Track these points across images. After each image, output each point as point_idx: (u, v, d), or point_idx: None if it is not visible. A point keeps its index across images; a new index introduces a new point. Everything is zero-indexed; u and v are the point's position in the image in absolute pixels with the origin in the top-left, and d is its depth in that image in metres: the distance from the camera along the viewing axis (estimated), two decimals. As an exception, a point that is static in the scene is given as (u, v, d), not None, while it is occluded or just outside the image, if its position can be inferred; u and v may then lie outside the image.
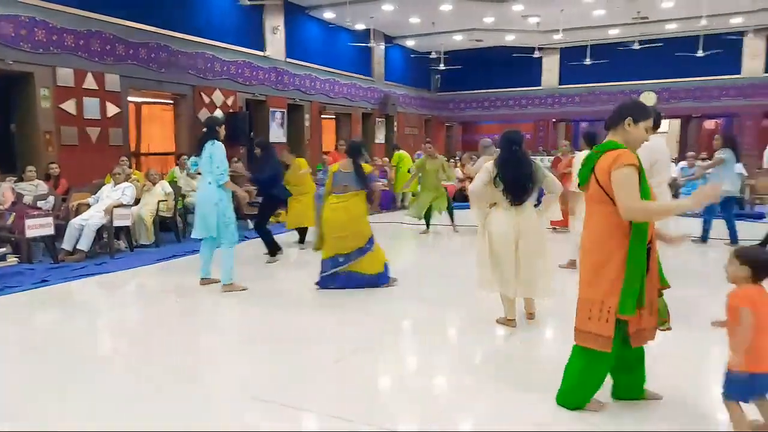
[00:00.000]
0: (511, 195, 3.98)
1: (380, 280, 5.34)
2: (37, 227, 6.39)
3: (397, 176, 12.09)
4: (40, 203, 7.26)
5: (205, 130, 5.43)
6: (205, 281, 5.48)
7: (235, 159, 10.21)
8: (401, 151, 12.58)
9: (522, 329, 4.14)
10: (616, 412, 2.85)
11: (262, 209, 6.99)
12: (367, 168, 5.34)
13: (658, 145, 4.53)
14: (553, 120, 20.33)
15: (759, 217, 10.08)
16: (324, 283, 5.29)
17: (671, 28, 16.44)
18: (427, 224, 8.87)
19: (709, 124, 20.11)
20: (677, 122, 21.00)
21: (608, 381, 2.90)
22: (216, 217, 5.18)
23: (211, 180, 5.19)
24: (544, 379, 3.29)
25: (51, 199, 7.46)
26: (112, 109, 9.57)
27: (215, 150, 5.18)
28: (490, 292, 4.19)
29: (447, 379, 3.40)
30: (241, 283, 5.34)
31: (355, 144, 5.54)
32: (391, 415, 2.92)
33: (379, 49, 17.45)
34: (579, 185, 2.86)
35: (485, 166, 4.11)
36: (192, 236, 5.58)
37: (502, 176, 3.97)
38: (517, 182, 3.97)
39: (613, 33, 17.13)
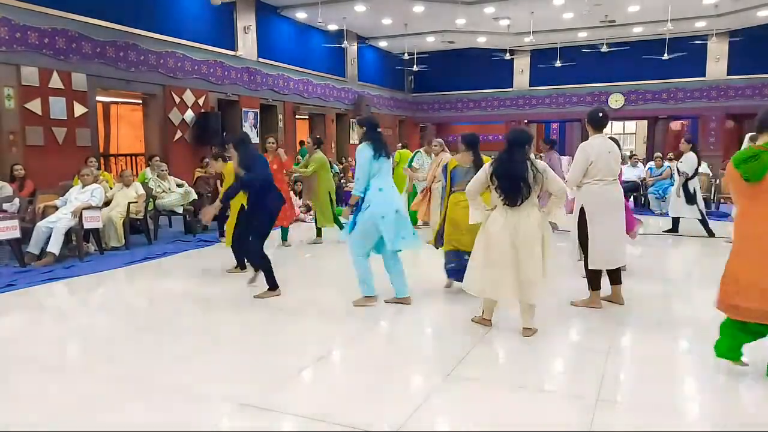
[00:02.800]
0: (504, 196, 3.85)
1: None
2: (2, 230, 6.21)
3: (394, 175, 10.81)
4: (5, 206, 7.05)
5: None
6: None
7: (206, 160, 10.08)
8: (404, 150, 10.51)
9: (500, 328, 4.16)
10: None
11: (251, 220, 5.17)
12: (486, 160, 4.92)
13: (597, 145, 4.54)
14: (525, 121, 20.58)
15: (724, 216, 10.35)
16: (454, 275, 4.99)
17: (638, 31, 16.83)
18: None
19: (675, 125, 20.63)
20: (644, 123, 21.50)
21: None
22: None
23: None
24: (521, 377, 3.33)
25: (16, 201, 7.24)
26: (79, 109, 9.35)
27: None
28: (478, 295, 4.06)
29: (424, 379, 3.40)
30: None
31: (473, 137, 5.20)
32: (368, 415, 2.91)
33: (352, 49, 17.43)
34: (749, 180, 3.05)
35: (483, 167, 4.00)
36: None
37: (495, 176, 3.86)
38: (509, 183, 3.81)
39: (582, 36, 17.46)
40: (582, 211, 4.54)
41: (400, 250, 4.71)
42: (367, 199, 4.56)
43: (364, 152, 4.54)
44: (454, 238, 4.93)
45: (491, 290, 3.94)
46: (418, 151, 8.99)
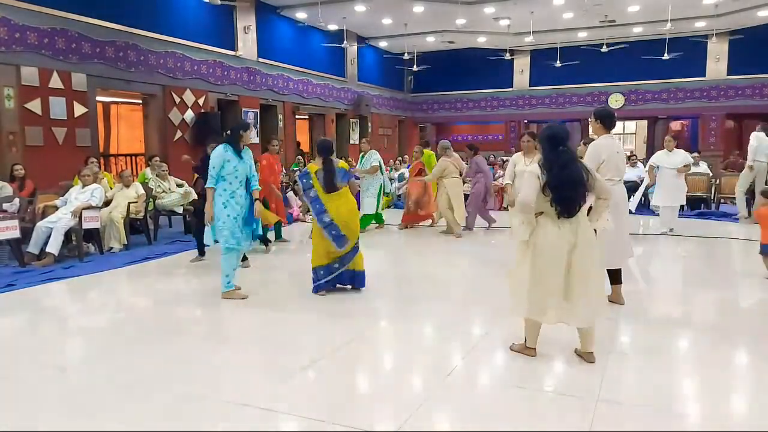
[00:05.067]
0: (560, 207, 3.28)
1: (363, 278, 5.19)
2: (2, 230, 6.21)
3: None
4: (5, 206, 7.04)
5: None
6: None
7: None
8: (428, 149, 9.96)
9: (500, 328, 4.16)
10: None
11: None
12: (342, 164, 5.19)
13: (608, 145, 4.56)
14: (525, 121, 20.59)
15: (724, 216, 10.35)
16: (319, 289, 5.09)
17: (638, 31, 16.83)
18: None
19: (675, 125, 20.63)
20: (644, 123, 21.50)
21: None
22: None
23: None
24: (521, 377, 3.32)
25: (16, 201, 7.23)
26: (79, 109, 9.35)
27: (212, 154, 4.99)
28: (531, 318, 3.46)
29: (424, 379, 3.40)
30: (240, 291, 5.10)
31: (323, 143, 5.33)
32: (369, 415, 2.91)
33: (351, 49, 17.43)
34: None
35: (533, 171, 3.38)
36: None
37: (550, 184, 3.27)
38: (568, 192, 3.27)
39: (582, 36, 17.45)
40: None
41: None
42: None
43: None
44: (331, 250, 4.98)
45: (539, 312, 3.39)
46: (363, 154, 9.36)
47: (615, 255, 4.50)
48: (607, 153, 4.48)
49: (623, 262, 4.66)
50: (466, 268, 6.47)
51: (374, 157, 8.76)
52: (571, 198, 3.28)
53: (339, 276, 5.09)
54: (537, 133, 5.93)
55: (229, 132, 5.13)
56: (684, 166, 8.26)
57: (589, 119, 4.66)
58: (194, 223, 6.47)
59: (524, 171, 5.61)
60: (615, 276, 4.67)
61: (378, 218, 8.99)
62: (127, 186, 7.73)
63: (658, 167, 8.37)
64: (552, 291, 3.33)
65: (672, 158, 8.31)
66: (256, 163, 5.39)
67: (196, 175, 7.35)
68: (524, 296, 3.40)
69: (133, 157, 12.15)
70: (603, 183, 3.48)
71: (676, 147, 8.50)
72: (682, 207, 10.47)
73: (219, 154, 4.90)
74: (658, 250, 7.47)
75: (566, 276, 3.32)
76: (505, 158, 15.21)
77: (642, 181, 11.77)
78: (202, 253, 6.70)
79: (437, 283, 5.71)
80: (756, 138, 9.12)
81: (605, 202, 3.48)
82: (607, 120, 4.56)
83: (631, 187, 10.41)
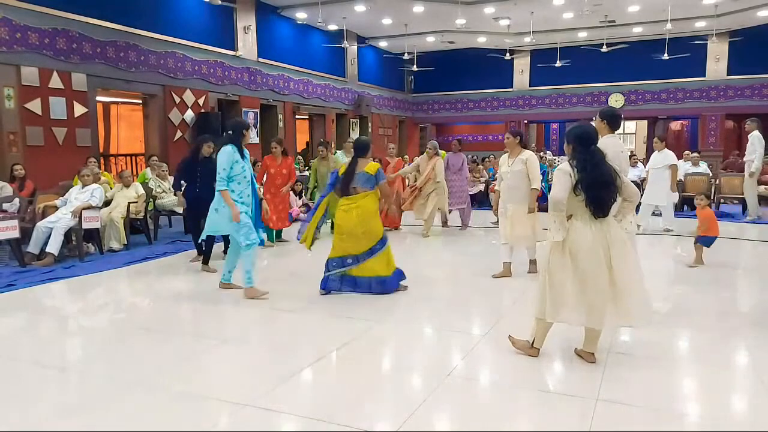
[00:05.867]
0: (594, 206, 3.26)
1: (388, 285, 5.08)
2: (3, 230, 6.21)
3: None
4: (5, 206, 7.05)
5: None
6: (225, 285, 5.33)
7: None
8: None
9: (500, 329, 4.16)
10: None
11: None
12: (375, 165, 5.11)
13: (612, 145, 4.58)
14: (525, 121, 20.59)
15: (724, 216, 10.34)
16: (328, 285, 5.08)
17: (638, 31, 16.83)
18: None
19: (675, 125, 20.63)
20: (644, 123, 21.50)
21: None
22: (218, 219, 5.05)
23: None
24: (521, 377, 3.33)
25: (16, 201, 7.24)
26: (79, 109, 9.36)
27: (219, 155, 4.99)
28: (570, 323, 3.40)
29: (424, 379, 3.40)
30: (261, 288, 5.10)
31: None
32: (368, 415, 2.91)
33: (352, 49, 17.43)
34: None
35: (563, 169, 3.35)
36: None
37: (583, 184, 3.25)
38: (602, 191, 3.26)
39: (582, 36, 17.45)
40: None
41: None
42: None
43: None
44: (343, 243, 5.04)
45: (586, 316, 3.30)
46: (338, 152, 9.54)
47: None
48: (613, 152, 4.49)
49: None
50: (465, 268, 6.47)
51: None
52: (604, 198, 3.27)
53: (354, 281, 5.05)
54: (519, 131, 5.96)
55: (231, 132, 5.11)
56: (670, 166, 8.38)
57: (594, 119, 4.66)
58: (189, 224, 6.41)
59: (507, 172, 5.63)
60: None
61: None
62: (127, 186, 7.74)
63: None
64: (602, 292, 3.25)
65: (656, 158, 8.54)
66: (255, 164, 5.41)
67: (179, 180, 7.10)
68: (566, 301, 3.30)
69: (133, 157, 12.16)
70: (630, 185, 3.45)
71: (666, 147, 8.68)
72: (682, 207, 10.52)
73: (228, 154, 4.88)
74: (658, 249, 7.47)
75: (610, 277, 3.27)
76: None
77: (642, 181, 11.81)
78: (200, 253, 6.63)
79: (437, 283, 5.71)
80: (759, 138, 9.29)
81: (632, 204, 3.46)
82: (612, 120, 4.58)
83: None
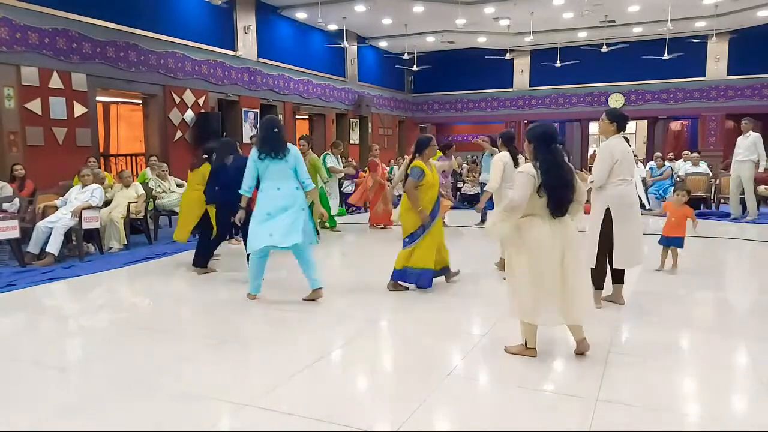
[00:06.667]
0: (554, 206, 3.29)
1: (394, 275, 5.28)
2: (3, 230, 6.22)
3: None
4: (5, 206, 7.05)
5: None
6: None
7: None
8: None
9: (499, 329, 4.16)
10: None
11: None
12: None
13: (619, 145, 4.58)
14: (525, 121, 20.55)
15: (724, 216, 10.35)
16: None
17: (638, 31, 16.81)
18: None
19: (675, 125, 20.62)
20: (644, 123, 21.49)
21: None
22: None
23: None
24: (521, 377, 3.32)
25: (16, 201, 7.24)
26: (79, 109, 9.35)
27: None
28: (531, 321, 3.46)
29: (424, 379, 3.39)
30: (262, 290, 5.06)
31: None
32: (368, 415, 2.91)
33: (352, 49, 17.42)
34: None
35: (527, 172, 3.33)
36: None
37: (547, 185, 3.26)
38: (564, 191, 3.29)
39: (582, 36, 17.44)
40: (608, 212, 4.50)
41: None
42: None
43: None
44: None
45: (543, 314, 3.37)
46: (327, 153, 9.63)
47: (623, 256, 4.50)
48: (620, 153, 4.52)
49: (630, 264, 4.64)
50: (464, 267, 6.46)
51: (326, 159, 9.24)
52: (566, 198, 3.33)
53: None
54: (493, 136, 6.14)
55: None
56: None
57: (601, 119, 4.66)
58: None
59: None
60: (618, 275, 4.67)
61: (331, 221, 9.23)
62: (127, 186, 7.74)
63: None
64: (551, 291, 3.34)
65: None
66: None
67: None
68: (525, 299, 3.39)
69: (133, 157, 12.16)
70: (581, 184, 3.51)
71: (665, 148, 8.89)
72: None
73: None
74: (657, 249, 7.45)
75: (561, 275, 3.35)
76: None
77: (643, 181, 11.82)
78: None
79: (436, 283, 5.70)
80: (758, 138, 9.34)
81: (580, 204, 3.49)
82: (620, 121, 4.60)
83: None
